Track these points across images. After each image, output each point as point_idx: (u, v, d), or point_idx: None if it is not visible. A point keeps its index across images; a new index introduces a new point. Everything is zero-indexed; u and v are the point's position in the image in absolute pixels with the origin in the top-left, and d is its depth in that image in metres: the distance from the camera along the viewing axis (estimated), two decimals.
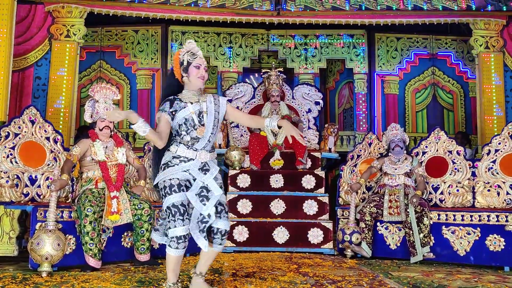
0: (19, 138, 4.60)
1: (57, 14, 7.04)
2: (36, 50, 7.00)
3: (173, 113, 3.10)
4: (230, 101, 3.34)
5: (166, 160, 3.11)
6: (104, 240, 4.43)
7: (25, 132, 4.64)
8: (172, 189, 3.01)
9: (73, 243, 4.25)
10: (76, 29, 7.05)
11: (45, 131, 4.75)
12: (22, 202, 4.48)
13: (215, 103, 3.20)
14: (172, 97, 3.17)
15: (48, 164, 4.69)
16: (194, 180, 3.08)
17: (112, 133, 4.66)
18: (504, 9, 7.11)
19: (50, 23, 7.03)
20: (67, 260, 4.17)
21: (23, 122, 4.65)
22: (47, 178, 4.63)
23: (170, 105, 3.13)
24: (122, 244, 4.62)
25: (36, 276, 3.85)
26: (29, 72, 6.97)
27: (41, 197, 4.60)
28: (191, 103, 3.13)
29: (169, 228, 2.99)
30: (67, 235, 4.19)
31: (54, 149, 4.76)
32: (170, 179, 3.03)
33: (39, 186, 4.62)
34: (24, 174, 4.57)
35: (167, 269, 3.12)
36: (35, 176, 4.62)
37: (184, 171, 3.07)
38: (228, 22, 7.47)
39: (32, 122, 4.70)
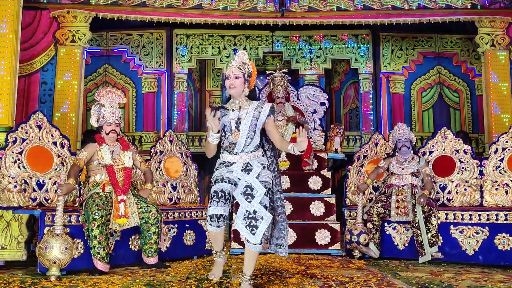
0: (26, 143, 4.63)
1: (62, 20, 7.08)
2: (42, 56, 7.03)
3: (218, 120, 3.40)
4: (271, 109, 3.48)
5: (216, 166, 3.47)
6: (112, 244, 4.45)
7: (32, 137, 4.67)
8: (216, 181, 3.34)
9: (81, 247, 4.26)
10: (81, 33, 7.08)
11: (52, 135, 4.78)
12: (30, 206, 4.51)
13: (257, 110, 3.42)
14: (219, 105, 3.53)
15: (56, 169, 4.71)
16: (240, 180, 3.32)
17: (119, 137, 4.68)
18: None
19: (56, 28, 7.07)
20: (76, 264, 4.19)
21: (30, 127, 4.68)
22: (55, 183, 4.65)
23: (216, 111, 3.45)
24: (130, 247, 4.63)
25: (45, 280, 3.87)
26: (35, 78, 7.01)
27: (49, 201, 4.62)
28: (233, 110, 3.41)
29: (207, 208, 3.32)
30: (75, 239, 4.21)
31: (61, 153, 4.78)
32: (216, 176, 3.38)
33: (46, 191, 4.64)
34: (31, 179, 4.59)
35: (210, 240, 3.56)
36: (43, 181, 4.64)
37: (230, 171, 3.35)
38: (232, 24, 7.48)
39: (39, 127, 4.72)
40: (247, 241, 3.23)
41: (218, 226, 3.27)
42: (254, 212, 3.20)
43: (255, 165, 3.35)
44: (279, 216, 3.50)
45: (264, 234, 3.21)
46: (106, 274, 4.14)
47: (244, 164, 3.35)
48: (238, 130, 3.35)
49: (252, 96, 3.51)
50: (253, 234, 3.18)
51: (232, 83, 3.39)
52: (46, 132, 4.75)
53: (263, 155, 3.46)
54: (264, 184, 3.30)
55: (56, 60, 7.03)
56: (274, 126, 3.48)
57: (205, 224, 5.35)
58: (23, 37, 6.52)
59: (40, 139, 4.70)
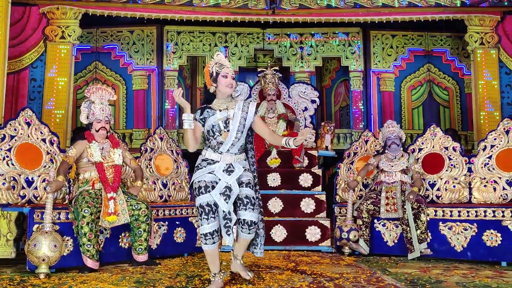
0: (15, 140, 4.59)
1: (52, 16, 7.03)
2: (31, 52, 6.99)
3: (203, 120, 3.44)
4: (256, 108, 3.57)
5: (198, 162, 3.46)
6: (102, 241, 4.43)
7: (21, 134, 4.63)
8: (200, 191, 3.33)
9: (70, 245, 4.24)
10: (71, 30, 7.04)
11: (41, 132, 4.74)
12: (19, 204, 4.48)
13: (243, 110, 3.45)
14: (204, 105, 3.52)
15: (45, 166, 4.68)
16: (219, 180, 3.34)
17: (109, 134, 4.66)
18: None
19: (45, 24, 7.03)
20: (65, 261, 4.17)
21: (19, 124, 4.64)
22: (44, 180, 4.62)
23: (200, 113, 3.47)
24: (120, 244, 4.62)
25: (34, 278, 3.85)
26: (24, 74, 6.96)
27: (38, 199, 4.59)
28: (220, 110, 3.43)
29: (199, 226, 3.36)
30: (65, 236, 4.19)
31: (51, 150, 4.75)
32: (198, 181, 3.35)
33: (35, 188, 4.61)
34: (20, 176, 4.56)
35: (208, 262, 3.46)
36: (32, 178, 4.61)
37: (210, 172, 3.36)
38: (223, 21, 7.47)
39: (28, 124, 4.69)
40: (242, 231, 3.35)
41: (214, 243, 3.33)
42: (229, 213, 3.28)
43: (237, 167, 3.38)
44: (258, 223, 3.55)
45: (245, 225, 3.32)
46: (96, 272, 4.13)
47: (226, 164, 3.37)
48: (227, 131, 3.37)
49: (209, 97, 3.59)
50: (228, 235, 3.29)
51: (231, 83, 3.42)
52: (35, 129, 4.71)
53: (245, 159, 3.52)
54: (247, 181, 3.37)
55: (46, 56, 6.99)
56: (262, 122, 3.54)
57: (196, 221, 5.36)
58: (12, 33, 6.47)
59: (29, 136, 4.66)
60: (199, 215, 3.32)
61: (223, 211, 3.28)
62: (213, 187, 3.33)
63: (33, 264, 3.96)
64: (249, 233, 3.35)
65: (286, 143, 3.39)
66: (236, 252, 3.52)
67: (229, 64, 3.51)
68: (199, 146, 3.50)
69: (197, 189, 3.35)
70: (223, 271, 3.50)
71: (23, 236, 4.65)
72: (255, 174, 3.60)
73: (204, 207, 3.29)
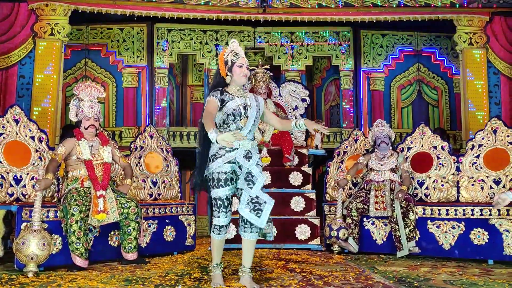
0: (3, 137, 4.55)
1: (41, 12, 6.97)
2: (20, 49, 6.92)
3: (222, 100, 3.40)
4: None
5: (214, 151, 3.39)
6: (91, 239, 4.41)
7: (9, 131, 4.59)
8: (220, 183, 3.33)
9: (59, 243, 4.22)
10: (61, 27, 6.98)
11: (30, 130, 4.70)
12: (7, 202, 4.44)
13: (256, 100, 3.55)
14: (222, 88, 3.49)
15: (33, 164, 4.65)
16: (240, 167, 3.36)
17: (98, 131, 4.63)
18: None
19: (34, 21, 6.96)
20: (54, 260, 4.14)
21: (7, 122, 4.60)
22: (32, 178, 4.58)
23: (220, 93, 3.44)
24: (109, 243, 4.61)
25: (22, 277, 3.82)
26: (13, 71, 6.89)
27: (26, 197, 4.56)
28: (238, 97, 3.45)
29: (214, 216, 3.37)
30: (53, 234, 4.16)
31: (39, 148, 4.72)
32: (218, 172, 3.33)
33: (24, 186, 4.57)
34: (8, 174, 4.52)
35: (212, 251, 3.48)
36: (20, 176, 4.57)
37: (229, 162, 3.34)
38: (214, 19, 7.46)
39: (16, 122, 4.65)
40: (244, 231, 3.32)
41: (222, 234, 3.40)
42: (257, 197, 3.26)
43: (254, 153, 3.42)
44: None
45: (268, 218, 3.28)
46: (85, 270, 4.11)
47: (245, 151, 3.38)
48: (247, 117, 3.42)
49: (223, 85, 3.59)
50: (259, 217, 3.23)
51: (246, 73, 3.47)
52: (24, 126, 4.67)
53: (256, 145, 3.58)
54: (261, 171, 3.40)
55: (35, 53, 6.92)
56: (271, 112, 3.73)
57: (186, 219, 5.36)
58: (0, 29, 6.41)
59: (17, 134, 4.62)
60: (216, 207, 3.35)
61: (250, 196, 3.25)
62: (231, 180, 3.36)
63: (22, 262, 3.93)
64: (251, 232, 3.32)
65: (296, 125, 3.50)
66: (243, 262, 3.41)
67: (243, 53, 3.55)
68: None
69: (216, 181, 3.34)
70: (222, 264, 3.53)
71: (11, 234, 4.61)
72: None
73: (224, 201, 3.34)
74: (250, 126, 3.42)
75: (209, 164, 3.39)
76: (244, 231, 3.33)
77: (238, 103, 3.42)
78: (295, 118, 7.18)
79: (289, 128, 3.59)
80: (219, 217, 3.35)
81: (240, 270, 3.44)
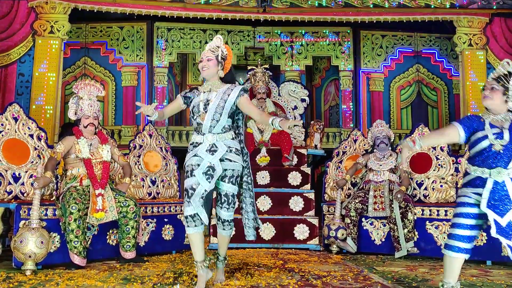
0: (2, 135, 4.53)
1: (41, 10, 6.96)
2: (19, 47, 6.91)
3: (186, 98, 3.51)
4: (243, 90, 3.49)
5: (188, 148, 3.50)
6: (89, 238, 4.41)
7: (8, 129, 4.58)
8: (187, 174, 3.36)
9: (57, 241, 4.21)
10: (60, 25, 6.98)
11: (29, 128, 4.69)
12: (6, 200, 4.43)
13: (227, 92, 3.42)
14: (194, 86, 3.61)
15: (32, 162, 4.64)
16: (203, 160, 3.33)
17: (97, 130, 4.63)
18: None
19: (34, 19, 6.95)
20: (52, 258, 4.14)
21: (6, 119, 4.59)
22: (31, 176, 4.57)
23: (189, 91, 3.55)
24: (108, 241, 4.60)
25: (20, 275, 3.82)
26: (12, 69, 6.89)
27: (25, 195, 4.55)
28: (203, 92, 3.46)
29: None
30: (52, 233, 4.15)
31: (38, 146, 4.71)
32: (186, 165, 3.39)
33: (22, 184, 4.56)
34: (7, 171, 4.51)
35: (191, 249, 3.40)
36: (19, 174, 4.56)
37: (195, 155, 3.36)
38: (214, 18, 7.46)
39: (15, 119, 4.64)
40: (218, 228, 3.42)
41: (195, 226, 3.25)
42: (211, 193, 3.31)
43: (220, 146, 3.33)
44: (246, 199, 3.57)
45: (226, 223, 3.39)
46: (83, 269, 4.10)
47: (209, 144, 3.34)
48: (206, 112, 3.36)
49: (229, 79, 3.53)
50: (227, 211, 3.34)
51: (204, 65, 3.43)
52: (23, 124, 4.66)
53: (232, 138, 3.43)
54: (231, 173, 3.33)
55: (34, 51, 6.92)
56: (249, 103, 3.45)
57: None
58: None
59: (16, 132, 4.61)
60: (184, 197, 3.31)
61: (205, 190, 3.23)
62: None
63: (19, 260, 3.93)
64: (223, 229, 3.40)
65: (271, 123, 3.29)
66: (219, 251, 3.57)
67: (209, 46, 3.50)
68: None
69: (185, 173, 3.38)
70: (207, 260, 3.39)
71: (9, 232, 4.61)
72: (245, 155, 3.52)
73: (188, 190, 3.26)
74: (209, 121, 3.33)
75: None
76: (218, 226, 3.43)
77: (200, 99, 3.41)
78: (294, 118, 7.18)
79: (266, 123, 3.37)
80: (184, 207, 3.26)
81: (215, 257, 3.59)
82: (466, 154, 5.47)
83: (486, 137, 2.96)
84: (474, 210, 2.97)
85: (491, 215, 2.91)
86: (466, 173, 3.10)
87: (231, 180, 3.33)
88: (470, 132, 3.03)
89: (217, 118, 3.35)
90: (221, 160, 3.32)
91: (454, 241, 2.98)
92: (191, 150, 3.41)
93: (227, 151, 3.33)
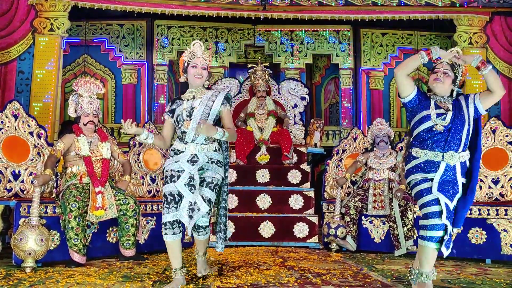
0: (2, 133, 4.53)
1: (41, 8, 6.95)
2: (19, 44, 6.90)
3: (172, 111, 3.43)
4: (227, 99, 3.46)
5: (169, 153, 3.49)
6: (89, 236, 4.41)
7: (8, 127, 4.57)
8: (166, 180, 3.33)
9: (57, 239, 4.21)
10: (60, 22, 6.97)
11: (29, 125, 4.69)
12: (5, 197, 4.43)
13: (211, 99, 3.38)
14: (176, 97, 3.55)
15: (32, 159, 4.64)
16: (184, 170, 3.29)
17: (97, 128, 4.63)
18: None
19: (33, 16, 6.94)
20: (52, 255, 4.14)
21: (6, 117, 4.58)
22: (31, 173, 4.58)
23: (170, 105, 3.48)
24: (107, 239, 4.60)
25: (19, 272, 3.82)
26: (12, 66, 6.88)
27: (25, 192, 4.55)
28: (187, 100, 3.39)
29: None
30: (51, 230, 4.16)
31: (38, 144, 4.71)
32: (166, 171, 3.35)
33: (22, 181, 4.56)
34: (7, 169, 4.51)
35: (169, 255, 3.39)
36: (19, 171, 4.57)
37: (176, 161, 3.33)
38: (214, 16, 7.45)
39: (15, 117, 4.63)
40: (193, 233, 3.39)
41: (174, 234, 3.26)
42: (195, 203, 3.23)
43: (201, 157, 3.31)
44: (219, 210, 3.56)
45: (200, 229, 3.31)
46: (83, 266, 4.11)
47: (191, 155, 3.31)
48: (190, 119, 3.32)
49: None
50: (188, 223, 3.25)
51: (200, 73, 3.37)
52: (23, 121, 4.66)
53: (215, 150, 3.39)
54: (210, 180, 3.30)
55: (34, 49, 6.91)
56: (228, 116, 3.43)
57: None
58: None
59: (16, 129, 4.61)
60: (163, 204, 3.29)
61: (189, 201, 3.22)
62: (178, 177, 3.28)
63: (19, 258, 3.93)
64: (198, 235, 3.36)
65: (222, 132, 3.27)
66: (198, 248, 3.63)
67: (204, 53, 3.43)
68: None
69: (164, 178, 3.36)
70: (185, 268, 3.43)
71: (9, 230, 4.61)
72: (226, 167, 3.52)
73: (167, 196, 3.25)
74: (193, 129, 3.29)
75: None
76: (193, 232, 3.36)
77: (184, 107, 3.35)
78: (294, 116, 7.19)
79: (227, 137, 3.33)
80: (163, 214, 3.26)
81: (195, 253, 3.64)
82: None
83: (429, 116, 2.98)
84: (434, 196, 2.96)
85: (443, 199, 2.92)
86: (412, 157, 3.09)
87: (209, 185, 3.29)
88: (417, 101, 3.07)
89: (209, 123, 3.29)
90: (201, 168, 3.32)
91: (431, 231, 2.95)
92: (172, 156, 3.38)
93: (207, 162, 3.32)
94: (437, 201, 2.96)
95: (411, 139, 3.14)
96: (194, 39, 8.41)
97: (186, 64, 3.41)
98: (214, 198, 3.34)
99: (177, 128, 3.41)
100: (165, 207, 3.25)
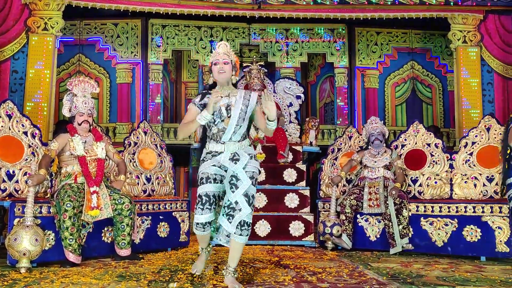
0: None
1: (34, 7, 6.91)
2: (13, 44, 6.86)
3: (203, 106, 3.33)
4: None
5: (203, 156, 3.39)
6: (84, 236, 4.39)
7: (1, 126, 4.55)
8: (202, 181, 3.28)
9: (52, 239, 4.20)
10: (54, 22, 6.93)
11: (23, 125, 4.66)
12: (0, 197, 4.41)
13: (245, 97, 3.37)
14: (205, 91, 3.43)
15: (26, 159, 4.61)
16: (226, 170, 3.28)
17: (91, 127, 4.61)
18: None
19: (27, 15, 6.90)
20: (47, 255, 4.12)
21: (0, 117, 4.56)
22: (25, 173, 4.55)
23: (201, 98, 3.38)
24: (103, 239, 4.59)
25: (14, 272, 3.80)
26: (6, 66, 6.84)
27: (19, 192, 4.53)
28: (222, 97, 3.28)
29: (195, 214, 3.27)
30: (46, 230, 4.14)
31: (32, 144, 4.68)
32: (202, 173, 3.29)
33: (17, 182, 4.54)
34: (1, 169, 4.48)
35: (197, 239, 3.55)
36: (13, 171, 4.54)
37: (214, 165, 3.28)
38: (209, 15, 7.43)
39: (9, 117, 4.61)
40: (233, 232, 3.20)
41: (204, 231, 3.30)
42: (236, 202, 3.18)
43: (242, 155, 3.28)
44: None
45: (245, 226, 3.19)
46: (78, 266, 4.10)
47: (231, 153, 3.28)
48: (229, 117, 3.28)
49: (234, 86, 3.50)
50: (230, 222, 3.18)
51: (222, 68, 3.33)
52: (17, 121, 4.63)
53: (250, 145, 3.40)
54: (251, 174, 3.25)
55: (28, 48, 6.87)
56: (261, 114, 3.42)
57: (180, 216, 5.35)
58: None
59: (10, 129, 4.59)
60: (196, 204, 3.25)
61: (229, 200, 3.20)
62: (214, 180, 3.26)
63: (14, 258, 3.91)
64: (241, 234, 3.19)
65: (268, 127, 3.37)
66: (229, 261, 3.32)
67: (225, 49, 3.39)
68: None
69: (199, 180, 3.29)
70: (210, 247, 3.56)
71: (3, 230, 4.59)
72: None
73: (202, 197, 3.22)
74: (233, 126, 3.27)
75: (199, 168, 3.37)
76: (235, 232, 3.20)
77: (220, 103, 3.29)
78: (290, 115, 7.19)
79: (269, 133, 3.46)
80: (196, 213, 3.24)
81: (225, 268, 3.34)
82: (461, 151, 5.51)
83: None
84: None
85: None
86: None
87: (251, 181, 3.25)
88: None
89: (241, 123, 3.30)
90: (243, 167, 3.28)
91: None
92: (210, 159, 3.30)
93: (249, 158, 3.30)
94: None
95: None
96: (189, 38, 8.45)
97: (210, 64, 3.40)
98: (255, 192, 3.29)
99: (212, 125, 3.31)
100: (199, 207, 3.21)
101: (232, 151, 3.29)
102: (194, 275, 3.62)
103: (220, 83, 3.38)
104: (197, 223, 3.24)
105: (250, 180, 3.23)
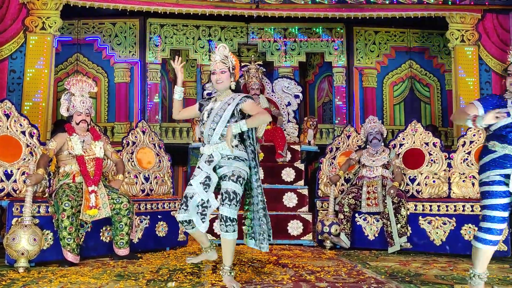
0: None
1: (32, 6, 6.90)
2: (11, 43, 6.85)
3: (201, 106, 3.54)
4: (245, 97, 3.43)
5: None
6: (82, 235, 4.39)
7: None
8: (191, 180, 3.37)
9: (50, 238, 4.19)
10: (52, 21, 6.92)
11: (21, 125, 4.65)
12: None
13: (228, 102, 3.39)
14: (212, 96, 3.64)
15: (24, 159, 4.60)
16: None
17: (89, 127, 4.61)
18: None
19: (25, 15, 6.89)
20: (45, 255, 4.12)
21: None
22: (23, 173, 4.54)
23: (206, 99, 3.60)
24: (101, 238, 4.59)
25: (12, 272, 3.80)
26: (3, 66, 6.83)
27: (17, 192, 4.52)
28: (212, 102, 3.48)
29: None
30: (44, 230, 4.13)
31: (30, 143, 4.67)
32: (192, 177, 3.39)
33: (15, 181, 4.53)
34: None
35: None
36: (11, 171, 4.53)
37: (198, 167, 3.39)
38: (207, 14, 7.43)
39: (7, 116, 4.60)
40: (221, 230, 3.23)
41: (192, 228, 3.33)
42: (208, 201, 3.25)
43: (216, 155, 3.32)
44: (258, 212, 3.50)
45: (228, 221, 3.19)
46: (76, 266, 4.09)
47: (208, 155, 3.37)
48: (206, 121, 3.42)
49: (236, 88, 3.51)
50: (203, 221, 3.23)
51: (219, 78, 3.40)
52: (15, 121, 4.62)
53: (233, 147, 3.31)
54: (230, 173, 3.25)
55: (26, 48, 6.86)
56: (250, 107, 3.37)
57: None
58: None
59: (8, 128, 4.57)
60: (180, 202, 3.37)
61: (202, 199, 3.25)
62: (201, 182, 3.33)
63: (12, 258, 3.91)
64: (226, 231, 3.18)
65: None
66: (223, 260, 3.30)
67: (219, 57, 3.40)
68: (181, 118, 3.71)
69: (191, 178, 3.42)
70: (212, 246, 3.56)
71: (1, 229, 4.58)
72: (255, 163, 3.46)
73: (183, 197, 3.32)
74: (208, 129, 3.36)
75: None
76: (220, 228, 3.22)
77: (206, 108, 3.44)
78: (288, 114, 7.19)
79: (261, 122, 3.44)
80: (178, 212, 3.31)
81: (221, 268, 3.32)
82: (459, 150, 5.51)
83: (508, 114, 2.96)
84: (505, 200, 2.95)
85: None
86: (488, 152, 3.07)
87: (231, 178, 3.25)
88: (489, 110, 2.98)
89: (214, 126, 3.35)
90: (220, 166, 3.31)
91: (487, 235, 2.98)
92: (199, 161, 3.45)
93: (222, 158, 3.31)
94: (501, 207, 2.96)
95: (487, 135, 3.11)
96: (187, 37, 8.45)
97: (210, 74, 3.50)
98: (240, 190, 3.26)
99: (201, 128, 3.48)
100: (178, 207, 3.34)
101: (208, 153, 3.37)
102: (192, 266, 3.64)
103: (218, 90, 3.48)
104: (181, 222, 3.31)
105: (229, 179, 3.24)
